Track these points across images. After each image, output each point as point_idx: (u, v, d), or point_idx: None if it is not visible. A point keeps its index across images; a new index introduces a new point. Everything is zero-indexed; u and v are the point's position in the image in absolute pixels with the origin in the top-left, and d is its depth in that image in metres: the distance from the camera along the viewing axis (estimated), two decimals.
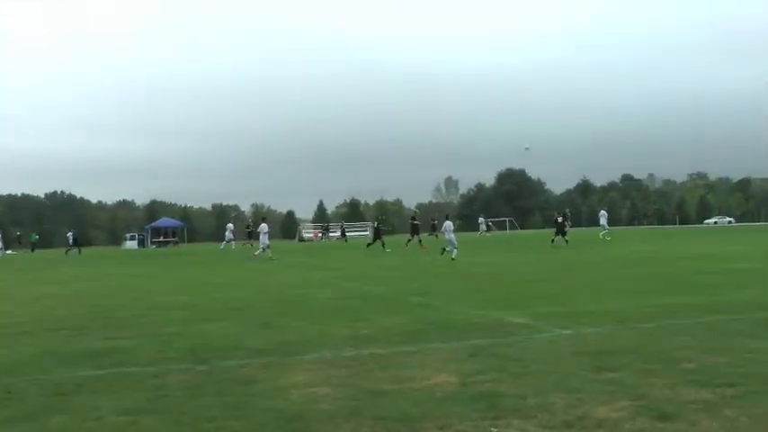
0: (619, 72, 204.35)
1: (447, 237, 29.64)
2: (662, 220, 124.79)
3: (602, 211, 48.13)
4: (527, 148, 72.40)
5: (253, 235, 54.95)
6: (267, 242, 35.14)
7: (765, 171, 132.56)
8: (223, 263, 33.97)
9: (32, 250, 72.36)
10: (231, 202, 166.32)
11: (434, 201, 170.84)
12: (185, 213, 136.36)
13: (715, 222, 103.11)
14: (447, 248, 29.18)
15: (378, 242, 39.74)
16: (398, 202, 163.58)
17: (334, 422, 5.54)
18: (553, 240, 37.05)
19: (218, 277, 23.01)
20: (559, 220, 38.27)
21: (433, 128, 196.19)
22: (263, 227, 35.95)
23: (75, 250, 56.75)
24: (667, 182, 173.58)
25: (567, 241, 37.14)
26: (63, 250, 59.89)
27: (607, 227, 45.41)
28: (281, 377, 7.11)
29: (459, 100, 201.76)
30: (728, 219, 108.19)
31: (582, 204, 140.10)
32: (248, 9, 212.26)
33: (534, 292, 14.49)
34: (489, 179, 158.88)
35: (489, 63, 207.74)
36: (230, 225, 60.17)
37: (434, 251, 31.73)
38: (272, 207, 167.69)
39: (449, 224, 30.61)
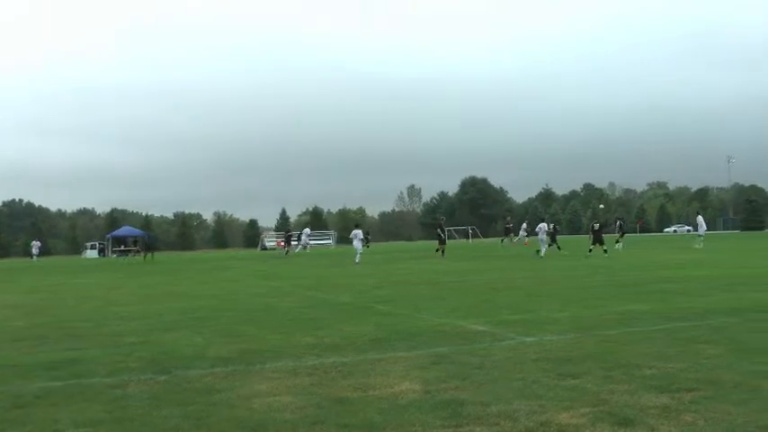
0: (580, 82, 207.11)
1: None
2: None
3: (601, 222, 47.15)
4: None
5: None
6: (309, 243, 35.13)
7: (723, 181, 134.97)
8: (186, 272, 33.72)
9: None
10: (194, 211, 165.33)
11: (397, 209, 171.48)
12: (147, 222, 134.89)
13: (674, 231, 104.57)
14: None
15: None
16: (361, 210, 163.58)
17: (297, 431, 5.51)
18: (605, 251, 33.60)
19: (181, 286, 22.82)
20: (596, 227, 35.53)
21: (397, 136, 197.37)
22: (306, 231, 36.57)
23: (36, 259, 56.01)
24: (628, 191, 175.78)
25: (559, 248, 37.69)
26: (24, 259, 59.04)
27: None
28: (243, 386, 7.06)
29: (423, 108, 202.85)
30: (687, 227, 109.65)
31: (543, 213, 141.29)
32: (206, 16, 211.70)
33: (498, 300, 14.56)
34: (452, 187, 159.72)
35: (452, 72, 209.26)
36: (307, 230, 65.42)
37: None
38: (235, 215, 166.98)
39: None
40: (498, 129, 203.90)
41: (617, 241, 40.24)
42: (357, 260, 34.17)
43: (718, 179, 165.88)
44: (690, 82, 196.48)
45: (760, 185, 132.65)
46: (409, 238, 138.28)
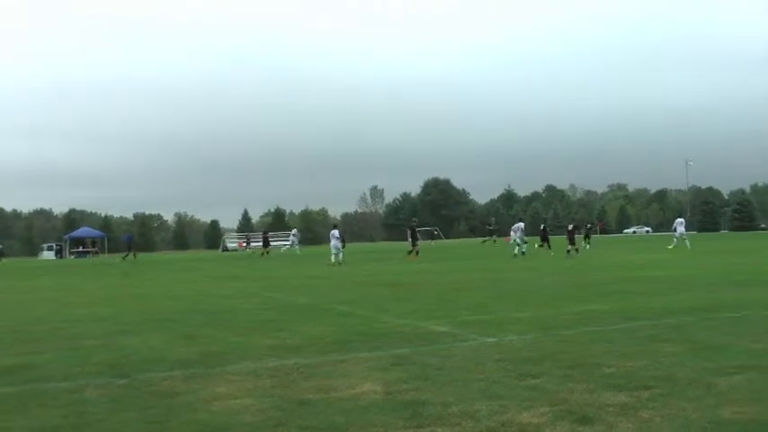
0: (543, 85, 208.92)
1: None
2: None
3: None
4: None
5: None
6: (340, 246, 35.19)
7: (681, 183, 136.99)
8: (146, 273, 33.38)
9: None
10: (154, 212, 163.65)
11: (360, 210, 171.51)
12: (106, 223, 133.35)
13: (634, 232, 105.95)
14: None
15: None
16: (324, 212, 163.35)
17: None
18: (577, 250, 36.07)
19: (141, 288, 22.57)
20: (570, 227, 37.65)
21: (360, 137, 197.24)
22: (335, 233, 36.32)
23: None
24: (589, 192, 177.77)
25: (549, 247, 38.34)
26: None
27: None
28: (203, 389, 6.99)
29: (386, 109, 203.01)
30: (646, 228, 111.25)
31: (506, 214, 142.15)
32: (172, 13, 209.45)
33: (459, 301, 14.61)
34: (415, 188, 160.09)
35: (416, 73, 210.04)
36: (295, 230, 66.91)
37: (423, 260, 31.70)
38: (196, 216, 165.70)
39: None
40: (461, 130, 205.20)
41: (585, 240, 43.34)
42: (333, 260, 34.35)
43: (677, 181, 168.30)
44: (649, 86, 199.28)
45: (716, 188, 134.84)
46: (371, 239, 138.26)
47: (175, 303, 16.42)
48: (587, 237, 45.87)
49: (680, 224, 43.50)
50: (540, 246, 37.00)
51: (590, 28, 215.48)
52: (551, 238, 42.96)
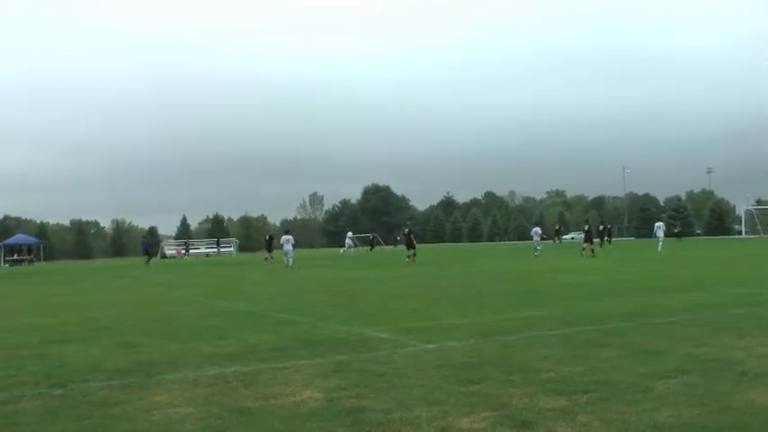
0: (483, 91, 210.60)
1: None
2: (522, 236, 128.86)
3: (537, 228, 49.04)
4: None
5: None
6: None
7: (618, 190, 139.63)
8: (83, 281, 32.72)
9: None
10: (91, 218, 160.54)
11: (299, 217, 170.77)
12: (42, 230, 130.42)
13: (572, 238, 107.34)
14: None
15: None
16: (263, 218, 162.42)
17: None
18: (593, 250, 38.82)
19: (78, 296, 22.13)
20: (601, 228, 43.51)
21: (299, 143, 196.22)
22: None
23: None
24: (527, 199, 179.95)
25: (593, 250, 39.10)
26: None
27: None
28: (142, 398, 6.85)
29: (327, 115, 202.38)
30: (571, 236, 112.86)
31: (445, 221, 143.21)
32: (105, 16, 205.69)
33: (400, 308, 14.63)
34: (355, 195, 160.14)
35: (356, 78, 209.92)
36: (350, 233, 69.14)
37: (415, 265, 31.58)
38: (134, 223, 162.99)
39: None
40: (401, 136, 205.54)
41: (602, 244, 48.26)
42: (290, 264, 36.61)
43: (614, 188, 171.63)
44: (588, 93, 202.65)
45: (653, 194, 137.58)
46: (311, 246, 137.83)
47: (113, 311, 16.10)
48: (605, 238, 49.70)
49: (659, 228, 45.92)
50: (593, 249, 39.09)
51: (529, 34, 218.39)
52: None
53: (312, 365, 8.29)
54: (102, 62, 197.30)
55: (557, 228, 77.64)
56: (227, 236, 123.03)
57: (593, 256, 36.77)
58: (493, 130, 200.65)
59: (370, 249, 69.65)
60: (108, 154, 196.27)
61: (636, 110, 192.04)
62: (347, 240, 65.72)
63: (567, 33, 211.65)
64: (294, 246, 37.90)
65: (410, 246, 37.42)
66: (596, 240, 46.59)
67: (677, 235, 54.39)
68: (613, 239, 54.68)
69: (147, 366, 8.63)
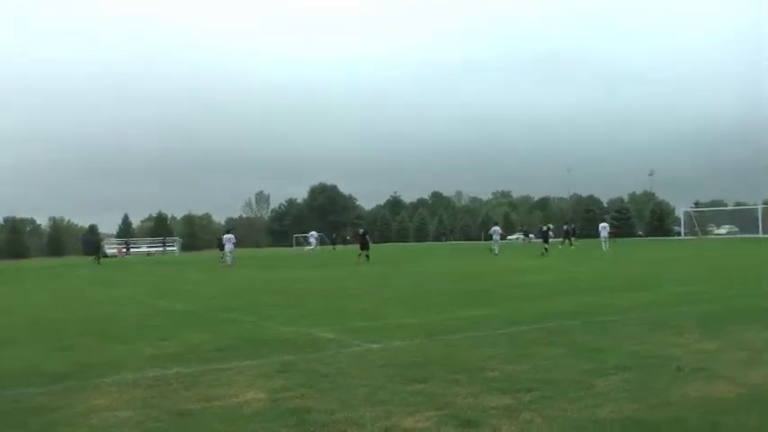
0: (431, 90, 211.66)
1: None
2: (468, 236, 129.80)
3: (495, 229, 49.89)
4: None
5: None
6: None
7: (563, 191, 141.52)
8: (20, 282, 31.98)
9: None
10: (26, 215, 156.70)
11: (245, 215, 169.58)
12: None
13: (517, 238, 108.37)
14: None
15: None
16: (207, 217, 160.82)
17: None
18: (546, 249, 40.66)
19: (13, 298, 21.59)
20: (544, 228, 44.53)
21: (245, 141, 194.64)
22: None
23: None
24: (474, 199, 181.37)
25: (546, 250, 40.69)
26: None
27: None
28: (80, 403, 6.66)
29: (273, 113, 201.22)
30: (531, 234, 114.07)
31: (392, 221, 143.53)
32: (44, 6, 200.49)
33: (345, 307, 14.57)
34: (302, 194, 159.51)
35: (302, 77, 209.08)
36: (313, 232, 70.19)
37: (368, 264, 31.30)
38: (73, 221, 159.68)
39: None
40: (348, 135, 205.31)
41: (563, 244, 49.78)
42: (229, 262, 36.80)
43: (559, 189, 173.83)
44: (535, 97, 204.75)
45: (597, 196, 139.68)
46: (257, 245, 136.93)
47: (51, 313, 15.75)
48: (570, 238, 50.93)
49: (603, 228, 48.01)
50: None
51: (477, 37, 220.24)
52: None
53: (256, 366, 8.19)
54: (32, 52, 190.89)
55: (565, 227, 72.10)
56: (171, 234, 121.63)
57: (546, 256, 37.86)
58: (441, 131, 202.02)
59: (334, 248, 71.02)
60: (45, 149, 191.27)
61: (581, 113, 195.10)
62: (311, 239, 66.22)
63: (512, 36, 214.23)
64: (235, 244, 37.60)
65: (364, 246, 37.49)
66: (558, 240, 48.76)
67: (566, 236, 56.82)
68: (556, 239, 55.69)
69: (86, 369, 8.43)
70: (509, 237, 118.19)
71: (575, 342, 9.08)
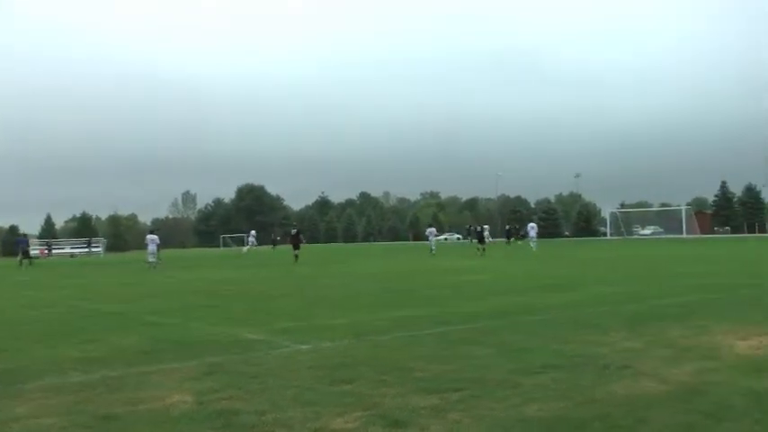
0: (359, 90, 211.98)
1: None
2: (396, 236, 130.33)
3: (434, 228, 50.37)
4: None
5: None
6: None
7: (491, 192, 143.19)
8: None
9: None
10: None
11: (171, 216, 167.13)
12: None
13: (445, 239, 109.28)
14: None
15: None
16: (133, 217, 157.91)
17: None
18: (479, 249, 41.85)
19: None
20: (478, 229, 46.06)
21: (172, 140, 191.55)
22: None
23: None
24: (402, 200, 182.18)
25: (484, 250, 41.70)
26: None
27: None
28: (0, 410, 6.45)
29: (199, 112, 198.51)
30: (457, 236, 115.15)
31: (320, 221, 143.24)
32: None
33: (273, 308, 14.49)
34: (229, 194, 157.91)
35: (230, 77, 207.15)
36: (253, 232, 71.21)
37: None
38: None
39: None
40: (275, 135, 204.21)
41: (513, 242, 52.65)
42: (153, 262, 36.10)
43: (487, 191, 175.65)
44: (466, 99, 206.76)
45: (524, 197, 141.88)
46: (183, 246, 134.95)
47: None
48: (513, 238, 53.06)
49: (532, 228, 49.09)
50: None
51: (410, 37, 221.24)
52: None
53: (183, 368, 8.08)
54: None
55: (507, 228, 71.78)
56: (96, 235, 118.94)
57: (483, 256, 38.62)
58: (369, 132, 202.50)
59: (273, 247, 70.66)
60: None
61: (511, 116, 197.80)
62: (250, 239, 66.71)
63: (445, 37, 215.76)
64: (159, 246, 36.89)
65: (296, 246, 38.25)
66: (498, 240, 50.12)
67: (508, 236, 59.17)
68: (492, 239, 57.29)
69: (6, 374, 8.17)
70: (438, 237, 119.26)
71: (503, 342, 9.20)
